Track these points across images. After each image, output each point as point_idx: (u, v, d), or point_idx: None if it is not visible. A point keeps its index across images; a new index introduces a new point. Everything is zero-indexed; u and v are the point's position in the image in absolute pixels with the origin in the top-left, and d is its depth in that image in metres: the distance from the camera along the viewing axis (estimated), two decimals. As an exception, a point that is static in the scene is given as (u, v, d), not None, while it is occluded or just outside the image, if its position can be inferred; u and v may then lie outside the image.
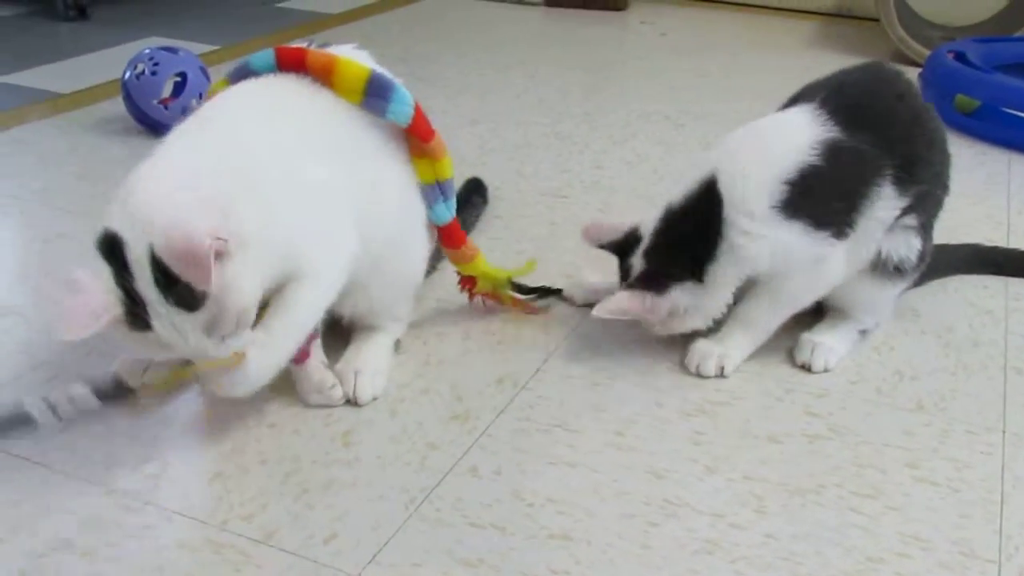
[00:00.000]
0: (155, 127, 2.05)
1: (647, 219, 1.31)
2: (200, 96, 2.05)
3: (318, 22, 3.13)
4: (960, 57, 2.35)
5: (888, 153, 1.25)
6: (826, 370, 1.31)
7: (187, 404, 1.21)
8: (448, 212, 1.30)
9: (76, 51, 2.74)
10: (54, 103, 2.28)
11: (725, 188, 1.23)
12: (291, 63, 1.18)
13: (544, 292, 1.45)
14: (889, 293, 1.35)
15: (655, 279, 1.26)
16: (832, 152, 1.23)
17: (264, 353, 1.06)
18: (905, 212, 1.28)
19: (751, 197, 1.22)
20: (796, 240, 1.22)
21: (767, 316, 1.32)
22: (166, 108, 2.03)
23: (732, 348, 1.31)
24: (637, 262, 1.30)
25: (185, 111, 2.02)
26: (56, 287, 0.97)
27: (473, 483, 1.08)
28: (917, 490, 1.10)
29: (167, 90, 2.05)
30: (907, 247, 1.30)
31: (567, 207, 1.80)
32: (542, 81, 2.58)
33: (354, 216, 1.14)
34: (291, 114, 1.16)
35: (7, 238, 1.65)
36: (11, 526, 1.00)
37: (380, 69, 1.23)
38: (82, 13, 3.03)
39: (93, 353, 1.28)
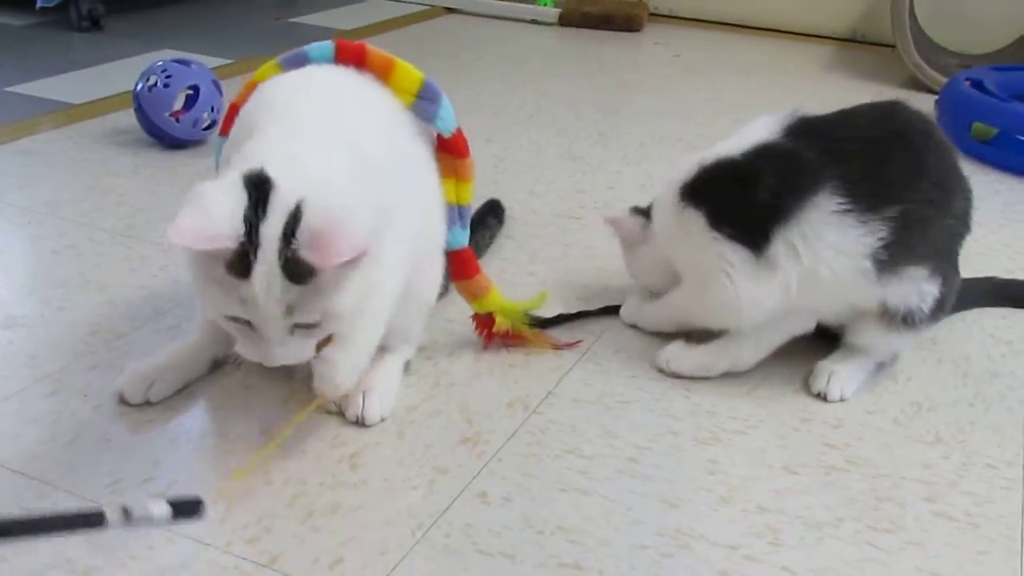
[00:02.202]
0: (166, 139, 2.04)
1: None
2: (212, 109, 2.05)
3: (330, 38, 3.12)
4: (977, 85, 2.34)
5: (836, 164, 1.20)
6: (842, 399, 1.29)
7: (194, 421, 1.20)
8: (464, 238, 1.29)
9: (89, 62, 2.74)
10: (66, 114, 2.27)
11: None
12: (350, 57, 1.19)
13: (563, 319, 1.43)
14: (903, 342, 1.31)
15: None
16: (762, 151, 1.23)
17: (347, 353, 1.07)
18: (892, 248, 1.20)
19: (675, 180, 1.30)
20: (689, 231, 1.26)
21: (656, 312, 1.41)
22: (177, 121, 2.02)
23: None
24: None
25: (197, 124, 2.02)
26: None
27: (482, 509, 1.06)
28: (936, 525, 1.07)
29: (179, 103, 2.04)
30: (918, 297, 1.25)
31: (580, 229, 1.78)
32: (555, 100, 2.57)
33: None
34: (382, 114, 1.17)
35: (16, 248, 1.64)
36: (11, 544, 0.97)
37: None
38: (96, 24, 3.03)
39: (98, 367, 1.27)
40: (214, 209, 0.93)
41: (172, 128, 2.02)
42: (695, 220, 1.26)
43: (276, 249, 0.93)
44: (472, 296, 1.31)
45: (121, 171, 1.95)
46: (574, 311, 1.45)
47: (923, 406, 1.29)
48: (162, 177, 1.93)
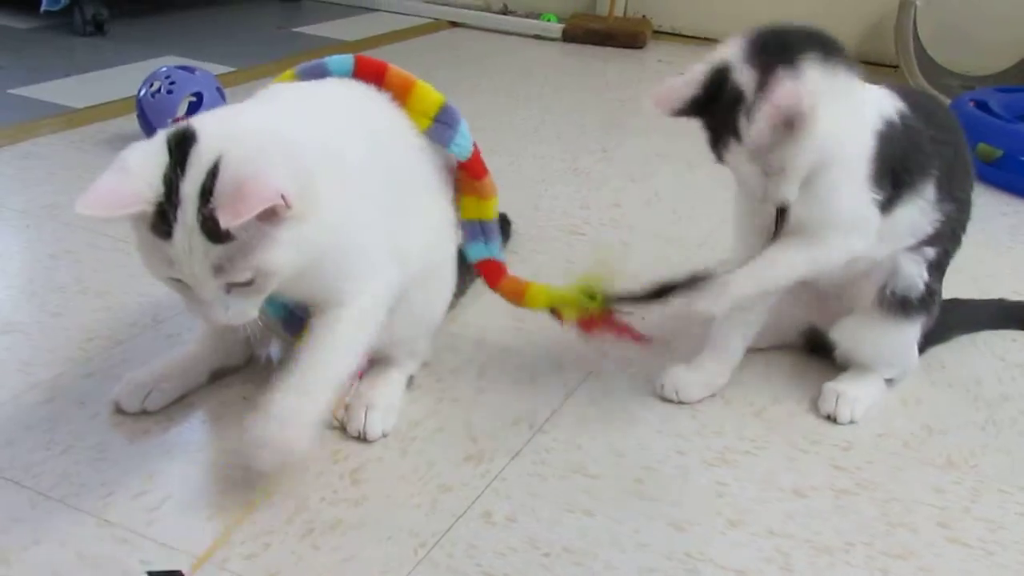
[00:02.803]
0: (168, 146, 2.02)
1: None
2: (215, 117, 2.03)
3: (332, 48, 3.11)
4: (982, 106, 2.32)
5: (938, 152, 1.22)
6: (852, 421, 1.27)
7: (191, 433, 1.17)
8: (486, 251, 1.29)
9: (92, 66, 2.71)
10: (67, 118, 2.25)
11: None
12: (370, 74, 1.18)
13: (657, 295, 1.22)
14: (901, 334, 1.29)
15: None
16: (905, 122, 1.20)
17: (301, 400, 1.03)
18: (928, 239, 1.24)
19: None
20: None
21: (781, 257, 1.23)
22: (180, 128, 2.00)
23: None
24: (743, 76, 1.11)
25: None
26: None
27: (486, 529, 1.03)
28: (949, 551, 1.05)
29: (182, 109, 2.01)
30: (916, 275, 1.26)
31: (585, 245, 1.76)
32: (560, 115, 2.55)
33: (390, 245, 1.12)
34: (372, 123, 1.16)
35: (14, 253, 1.62)
36: None
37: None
38: (99, 29, 3.01)
39: (95, 374, 1.24)
40: (135, 171, 0.92)
41: (174, 135, 1.99)
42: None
43: (194, 208, 0.90)
44: (515, 300, 1.31)
45: (121, 177, 1.92)
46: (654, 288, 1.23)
47: (934, 429, 1.27)
48: (163, 184, 1.90)
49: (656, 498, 1.10)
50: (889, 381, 1.34)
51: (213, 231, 0.90)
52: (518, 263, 1.66)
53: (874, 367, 1.32)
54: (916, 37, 2.84)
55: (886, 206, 1.19)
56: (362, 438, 1.15)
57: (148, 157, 0.93)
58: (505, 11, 3.72)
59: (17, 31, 3.06)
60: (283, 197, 0.90)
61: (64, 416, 1.16)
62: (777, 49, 1.11)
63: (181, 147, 0.92)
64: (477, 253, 1.29)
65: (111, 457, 1.10)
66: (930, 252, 1.26)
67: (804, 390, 1.31)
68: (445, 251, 1.25)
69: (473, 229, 1.28)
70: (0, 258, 1.58)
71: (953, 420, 1.29)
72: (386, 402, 1.19)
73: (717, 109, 1.15)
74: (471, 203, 1.27)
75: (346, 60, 1.19)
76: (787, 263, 1.21)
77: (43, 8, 2.95)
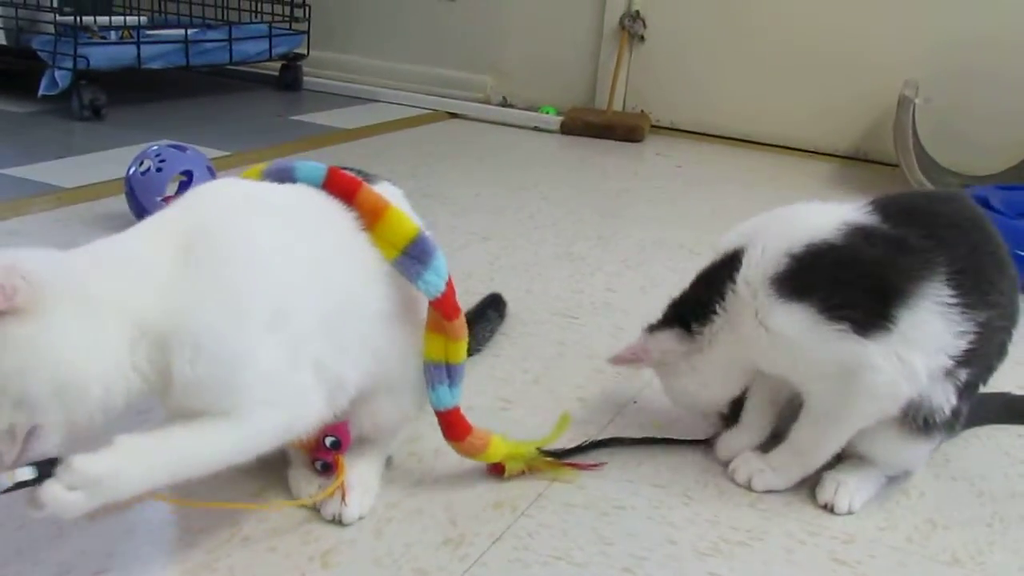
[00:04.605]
0: (156, 224, 1.99)
1: None
2: (205, 195, 2.00)
3: (329, 136, 3.13)
4: (983, 203, 2.31)
5: (942, 252, 1.13)
6: (850, 512, 1.21)
7: (153, 511, 1.11)
8: (450, 398, 1.13)
9: (86, 149, 2.72)
10: (56, 197, 2.23)
11: (745, 256, 1.20)
12: (340, 189, 1.07)
13: (591, 447, 1.28)
14: (915, 451, 1.23)
15: (653, 324, 1.31)
16: (862, 234, 1.15)
17: (129, 461, 0.88)
18: (963, 358, 1.15)
19: (754, 267, 1.18)
20: (801, 328, 1.13)
21: (808, 435, 1.21)
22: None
23: (773, 465, 1.24)
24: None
25: (188, 209, 1.98)
26: None
27: (463, 617, 0.97)
28: (958, 653, 0.98)
29: (171, 188, 1.99)
30: (942, 398, 1.17)
31: (577, 328, 1.72)
32: (556, 203, 2.54)
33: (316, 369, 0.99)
34: (318, 237, 1.04)
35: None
36: None
37: (408, 207, 1.14)
38: (97, 114, 3.02)
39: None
40: None
41: (162, 213, 1.97)
42: (798, 312, 1.14)
43: None
44: (470, 455, 1.18)
45: (107, 253, 1.89)
46: (603, 437, 1.31)
47: (938, 524, 1.21)
48: (149, 261, 1.87)
49: (645, 589, 1.04)
50: (891, 477, 1.28)
51: None
52: (508, 345, 1.62)
53: (877, 466, 1.26)
54: (915, 135, 2.85)
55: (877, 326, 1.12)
56: (337, 521, 1.09)
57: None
58: (504, 103, 3.76)
59: (16, 115, 3.08)
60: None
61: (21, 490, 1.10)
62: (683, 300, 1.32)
63: None
64: (442, 399, 1.12)
65: (69, 534, 1.04)
66: (963, 374, 1.17)
67: (802, 479, 1.26)
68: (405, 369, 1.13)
69: (439, 372, 1.12)
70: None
71: (958, 515, 1.23)
72: (364, 485, 1.13)
73: None
74: (438, 343, 1.11)
75: (317, 168, 1.09)
76: None
77: (41, 92, 2.97)
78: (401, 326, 1.10)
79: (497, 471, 1.21)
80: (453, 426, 1.15)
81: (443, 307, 1.09)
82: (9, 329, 0.82)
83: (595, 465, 1.26)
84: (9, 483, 0.82)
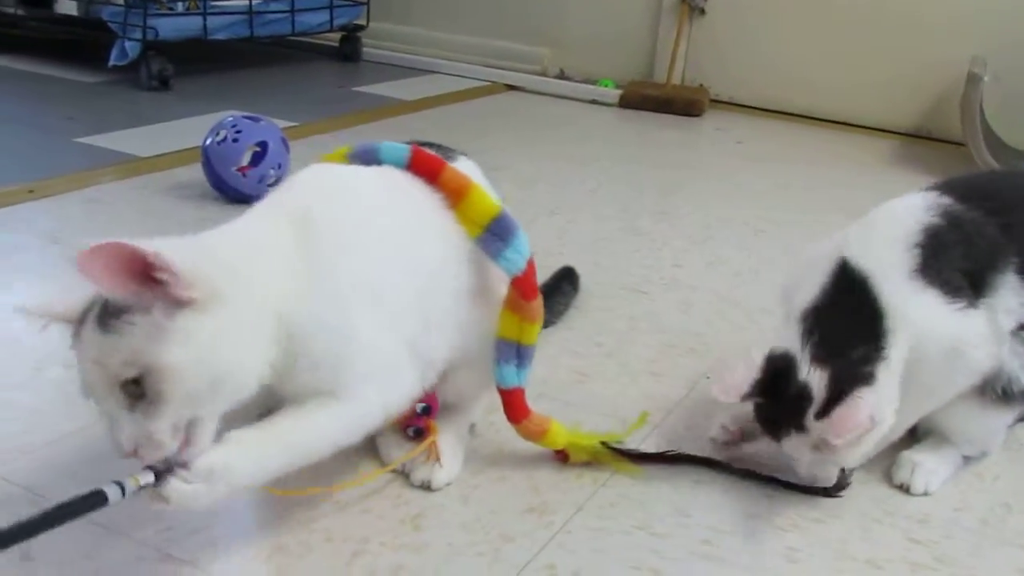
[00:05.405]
0: (231, 194, 2.04)
1: (774, 343, 1.18)
2: (279, 166, 2.04)
3: (390, 108, 3.15)
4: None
5: (1014, 239, 1.18)
6: (926, 493, 1.22)
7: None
8: (515, 378, 1.14)
9: (155, 119, 2.77)
10: (131, 166, 2.28)
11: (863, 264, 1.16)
12: (423, 169, 1.10)
13: (654, 458, 1.23)
14: (994, 422, 1.25)
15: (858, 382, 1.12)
16: (955, 218, 1.18)
17: (240, 453, 0.90)
18: None
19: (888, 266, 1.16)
20: (934, 311, 1.14)
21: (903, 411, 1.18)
22: (244, 176, 2.02)
23: None
24: (812, 376, 1.12)
25: (263, 180, 2.02)
26: None
27: (551, 583, 1.00)
28: (1035, 632, 1.00)
29: (246, 158, 2.03)
30: (1017, 366, 1.19)
31: (646, 303, 1.74)
32: (616, 178, 2.55)
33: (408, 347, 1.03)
34: (409, 218, 1.08)
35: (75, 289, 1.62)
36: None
37: (486, 182, 1.16)
38: (164, 84, 3.07)
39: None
40: None
41: (238, 183, 2.01)
42: (932, 297, 1.14)
43: (103, 302, 0.86)
44: (529, 438, 1.19)
45: (186, 222, 1.91)
46: (670, 451, 1.24)
47: (1013, 508, 1.22)
48: (225, 230, 1.91)
49: (724, 560, 1.06)
50: (966, 457, 1.29)
51: (103, 318, 0.85)
52: (580, 318, 1.64)
53: (955, 443, 1.27)
54: (982, 113, 2.80)
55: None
56: (426, 486, 1.13)
57: None
58: (562, 76, 3.76)
59: (86, 85, 3.14)
60: (169, 266, 0.82)
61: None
62: (835, 349, 1.13)
63: None
64: (507, 378, 1.13)
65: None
66: None
67: (875, 459, 1.27)
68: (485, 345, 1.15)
69: (508, 350, 1.13)
70: (65, 293, 1.58)
71: (1033, 498, 1.24)
72: (451, 451, 1.16)
73: (778, 398, 1.14)
74: (512, 322, 1.12)
75: (400, 149, 1.11)
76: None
77: (111, 63, 3.02)
78: (484, 303, 1.13)
79: (561, 458, 1.22)
80: (513, 406, 1.16)
81: (522, 286, 1.11)
82: (188, 322, 0.84)
83: (660, 459, 1.23)
84: (135, 487, 0.85)
